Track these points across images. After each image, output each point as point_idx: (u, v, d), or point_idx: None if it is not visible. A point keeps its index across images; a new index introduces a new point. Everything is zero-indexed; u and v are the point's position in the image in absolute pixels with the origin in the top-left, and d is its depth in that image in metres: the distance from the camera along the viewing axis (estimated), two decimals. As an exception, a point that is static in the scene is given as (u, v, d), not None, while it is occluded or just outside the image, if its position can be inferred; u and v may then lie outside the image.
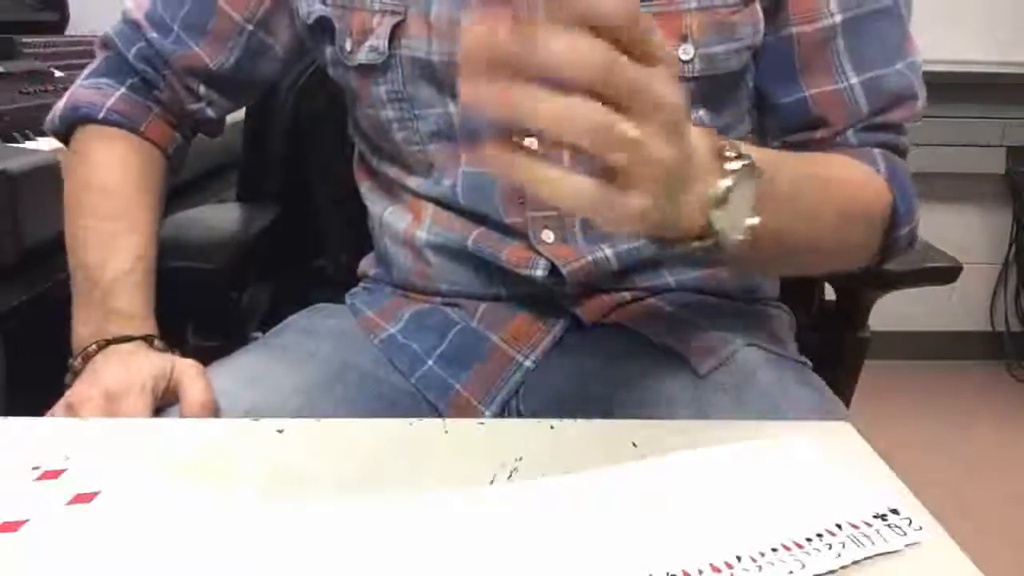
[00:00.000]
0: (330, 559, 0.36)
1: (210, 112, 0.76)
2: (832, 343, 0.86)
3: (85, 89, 0.73)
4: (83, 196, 0.69)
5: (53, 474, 0.42)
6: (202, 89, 0.74)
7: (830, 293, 0.89)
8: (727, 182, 0.44)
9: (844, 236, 0.60)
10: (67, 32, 1.61)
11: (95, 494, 0.41)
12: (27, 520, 0.38)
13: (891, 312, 1.24)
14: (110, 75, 0.73)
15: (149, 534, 0.38)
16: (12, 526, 0.38)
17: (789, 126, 0.66)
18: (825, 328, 0.87)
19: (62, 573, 0.35)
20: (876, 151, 0.64)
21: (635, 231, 0.42)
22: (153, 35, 0.72)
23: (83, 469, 0.43)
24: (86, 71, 0.75)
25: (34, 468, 0.43)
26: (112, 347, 0.60)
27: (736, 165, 0.44)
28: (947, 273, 0.81)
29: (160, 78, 0.73)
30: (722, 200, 0.44)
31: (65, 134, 0.73)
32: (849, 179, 0.61)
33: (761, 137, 0.70)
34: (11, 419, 0.48)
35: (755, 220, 0.45)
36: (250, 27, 0.72)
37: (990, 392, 2.36)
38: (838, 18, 0.62)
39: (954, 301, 2.47)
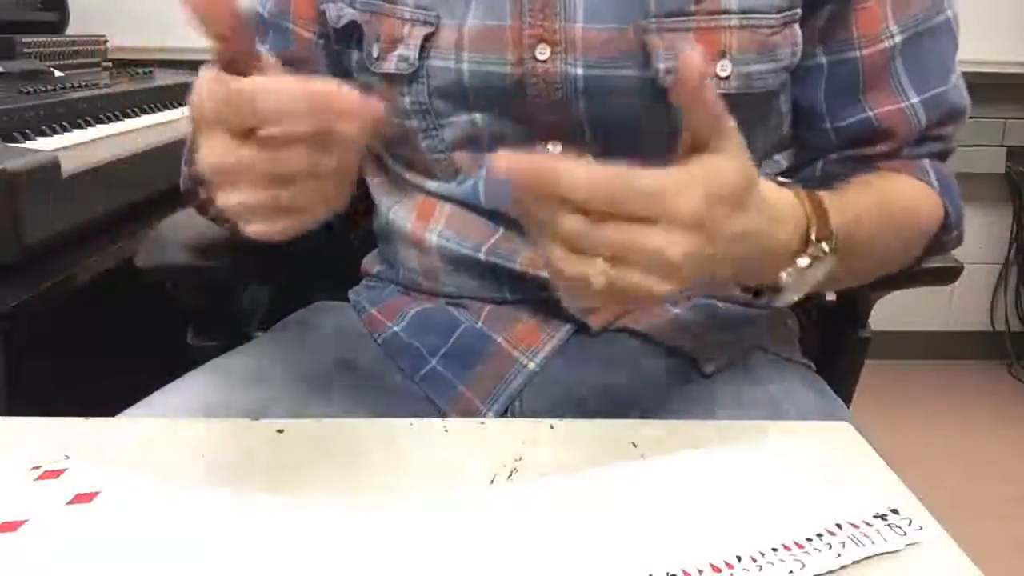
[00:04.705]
0: (330, 559, 0.36)
1: None
2: (832, 343, 0.85)
3: None
4: None
5: (53, 474, 0.42)
6: None
7: (830, 293, 0.89)
8: (804, 261, 0.48)
9: (900, 259, 0.66)
10: (67, 32, 1.60)
11: (95, 494, 0.41)
12: (27, 520, 0.38)
13: (891, 312, 1.24)
14: None
15: (149, 534, 0.38)
16: (12, 526, 0.38)
17: (851, 143, 0.67)
18: (825, 328, 0.87)
19: (62, 573, 0.35)
20: (926, 162, 0.66)
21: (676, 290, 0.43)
22: None
23: (83, 469, 0.43)
24: None
25: (34, 468, 0.43)
26: None
27: (824, 248, 0.48)
28: (947, 273, 0.81)
29: None
30: (797, 273, 0.49)
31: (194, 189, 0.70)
32: (911, 205, 0.64)
33: (802, 152, 0.70)
34: (11, 419, 0.48)
35: (815, 284, 0.49)
36: (321, 41, 0.71)
37: (990, 392, 2.36)
38: (898, 38, 0.62)
39: (954, 301, 2.47)
